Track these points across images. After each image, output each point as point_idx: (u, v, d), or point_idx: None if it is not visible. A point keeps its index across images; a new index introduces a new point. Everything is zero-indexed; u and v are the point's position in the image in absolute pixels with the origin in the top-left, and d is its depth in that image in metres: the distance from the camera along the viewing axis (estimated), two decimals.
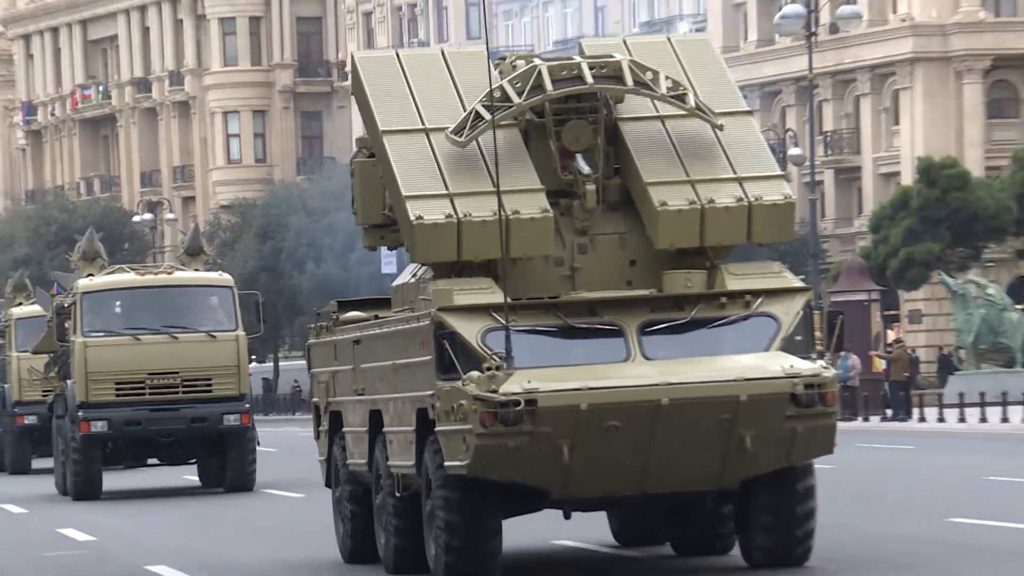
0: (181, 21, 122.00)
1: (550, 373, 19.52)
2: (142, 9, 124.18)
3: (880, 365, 69.06)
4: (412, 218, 20.21)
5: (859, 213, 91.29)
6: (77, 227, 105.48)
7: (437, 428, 19.93)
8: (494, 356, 19.50)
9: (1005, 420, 58.04)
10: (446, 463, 19.81)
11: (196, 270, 40.64)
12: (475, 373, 19.47)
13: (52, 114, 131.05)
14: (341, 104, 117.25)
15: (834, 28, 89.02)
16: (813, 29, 75.84)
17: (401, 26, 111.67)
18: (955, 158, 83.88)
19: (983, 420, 59.21)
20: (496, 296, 19.81)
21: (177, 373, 38.78)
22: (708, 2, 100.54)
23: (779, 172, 20.88)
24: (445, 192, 20.38)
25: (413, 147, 20.74)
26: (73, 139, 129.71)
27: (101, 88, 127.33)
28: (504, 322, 19.57)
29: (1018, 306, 75.45)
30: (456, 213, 20.21)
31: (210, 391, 38.88)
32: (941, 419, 63.09)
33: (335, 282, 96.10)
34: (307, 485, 38.80)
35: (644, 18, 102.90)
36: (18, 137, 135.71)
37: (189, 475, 43.37)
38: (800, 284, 20.46)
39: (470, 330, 19.73)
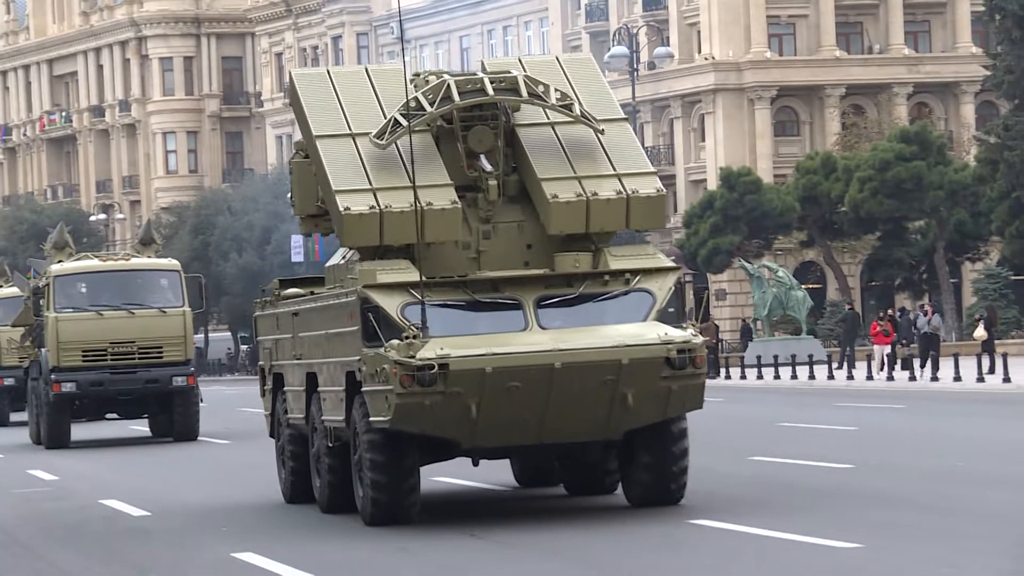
0: (129, 60, 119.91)
1: (460, 341, 18.24)
2: (97, 51, 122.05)
3: None
4: (341, 209, 18.91)
5: (675, 211, 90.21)
6: (45, 225, 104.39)
7: (363, 388, 18.63)
8: (412, 326, 18.18)
9: (794, 377, 57.52)
10: (371, 418, 18.48)
11: (149, 257, 39.08)
12: (395, 341, 18.16)
13: (24, 134, 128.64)
14: (258, 126, 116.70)
15: (652, 65, 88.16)
16: (635, 66, 75.03)
17: (306, 64, 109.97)
18: (750, 168, 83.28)
19: (776, 377, 58.89)
20: (413, 275, 18.53)
21: (134, 342, 37.18)
22: (550, 43, 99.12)
23: (652, 169, 19.63)
24: (369, 187, 19.05)
25: (342, 149, 19.41)
26: (41, 154, 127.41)
27: (64, 113, 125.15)
28: (420, 297, 18.29)
29: (802, 286, 75.15)
30: (378, 205, 18.89)
31: (161, 357, 37.23)
32: (743, 376, 62.50)
33: (253, 268, 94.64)
34: (234, 435, 38.09)
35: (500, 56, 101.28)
36: None
37: (135, 426, 41.66)
38: (672, 264, 19.23)
39: (391, 304, 18.41)
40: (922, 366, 53.08)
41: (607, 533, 17.82)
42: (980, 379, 48.20)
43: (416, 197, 18.59)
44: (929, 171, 75.25)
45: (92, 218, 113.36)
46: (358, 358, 18.56)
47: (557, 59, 20.46)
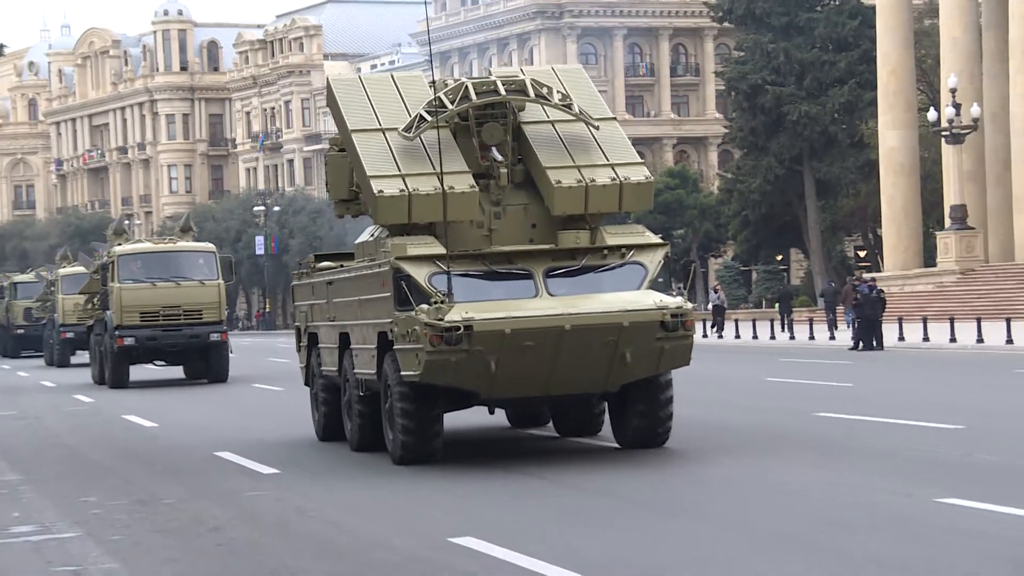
0: (144, 115, 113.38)
1: (480, 306, 13.35)
2: (123, 108, 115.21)
3: None
4: (375, 192, 13.93)
5: None
6: (87, 227, 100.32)
7: (395, 347, 13.68)
8: (439, 293, 13.33)
9: None
10: (403, 373, 13.58)
11: (188, 241, 33.62)
12: (425, 306, 13.28)
13: (72, 165, 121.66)
14: (233, 161, 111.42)
15: None
16: None
17: (266, 120, 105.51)
18: None
19: None
20: (438, 249, 13.66)
21: (180, 307, 31.65)
22: None
23: (640, 160, 14.71)
24: (398, 173, 14.06)
25: (374, 141, 14.39)
26: (83, 179, 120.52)
27: (99, 151, 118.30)
28: (446, 268, 13.44)
29: None
30: (407, 188, 13.93)
31: (201, 318, 31.68)
32: None
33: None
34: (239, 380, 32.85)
35: None
36: (52, 179, 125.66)
37: (151, 368, 36.02)
38: (660, 241, 14.33)
39: (420, 273, 13.53)
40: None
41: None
42: (720, 336, 46.63)
43: (442, 182, 13.77)
44: (687, 197, 72.91)
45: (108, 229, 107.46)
46: (390, 320, 13.67)
47: (553, 69, 15.50)
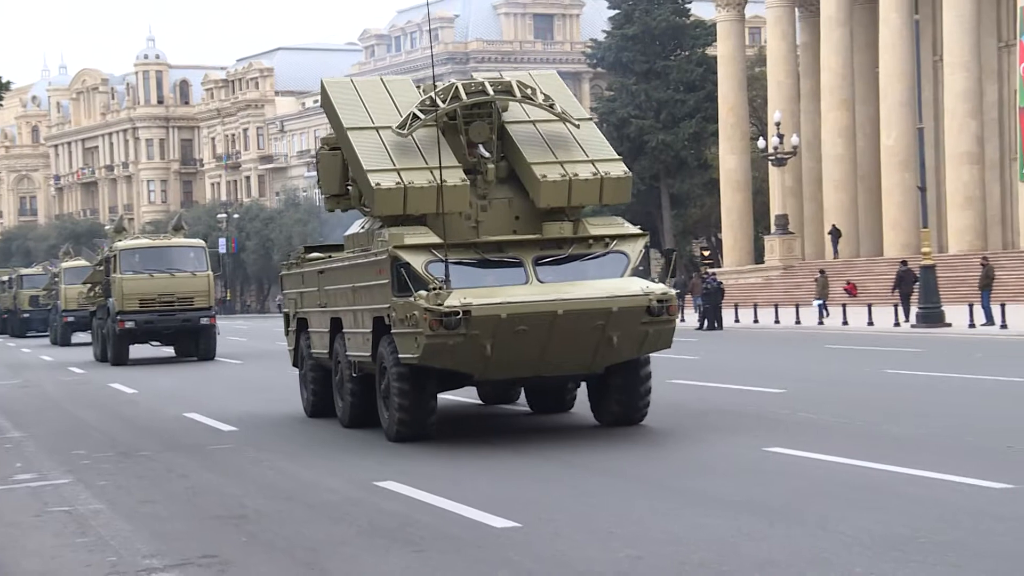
0: (128, 140, 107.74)
1: (476, 292, 10.70)
2: (111, 134, 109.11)
3: None
4: (373, 185, 11.20)
5: None
6: (80, 231, 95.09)
7: (393, 331, 10.95)
8: (436, 280, 10.68)
9: None
10: (400, 355, 10.89)
11: (181, 237, 30.30)
12: (423, 292, 10.62)
13: (68, 180, 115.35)
14: (200, 178, 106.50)
15: None
16: None
17: (228, 144, 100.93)
18: None
19: None
20: (434, 238, 10.98)
21: (174, 294, 28.26)
22: None
23: (618, 157, 12.11)
24: (394, 167, 11.35)
25: (368, 138, 11.68)
26: (77, 191, 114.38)
27: (91, 169, 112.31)
28: (443, 256, 10.79)
29: None
30: (403, 181, 11.21)
31: (192, 304, 28.32)
32: None
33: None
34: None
35: None
36: (51, 191, 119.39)
37: (146, 348, 32.78)
38: (640, 231, 11.72)
39: (418, 261, 10.85)
40: None
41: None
42: None
43: (440, 176, 11.08)
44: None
45: (105, 227, 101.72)
46: (387, 306, 10.97)
47: (530, 74, 12.92)
